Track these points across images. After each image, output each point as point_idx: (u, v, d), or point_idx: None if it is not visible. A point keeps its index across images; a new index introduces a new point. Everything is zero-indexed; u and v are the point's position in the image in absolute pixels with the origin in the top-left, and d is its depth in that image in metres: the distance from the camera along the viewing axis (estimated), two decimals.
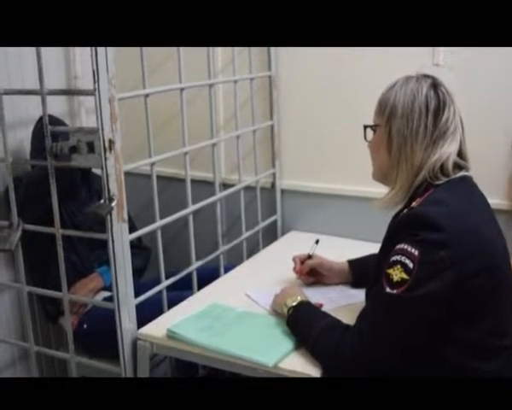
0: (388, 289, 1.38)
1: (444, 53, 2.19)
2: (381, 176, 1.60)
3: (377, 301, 1.44)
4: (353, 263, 1.98)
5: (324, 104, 2.47)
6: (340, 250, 2.08)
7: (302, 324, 1.62)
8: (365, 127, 1.61)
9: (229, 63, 2.49)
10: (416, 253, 1.34)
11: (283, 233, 2.67)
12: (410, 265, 1.34)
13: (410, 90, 1.49)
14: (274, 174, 2.63)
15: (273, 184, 2.65)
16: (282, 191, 2.66)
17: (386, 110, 1.51)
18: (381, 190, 1.61)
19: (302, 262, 1.99)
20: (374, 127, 1.58)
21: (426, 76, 1.53)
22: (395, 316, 1.38)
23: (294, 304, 1.66)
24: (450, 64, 2.18)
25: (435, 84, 1.51)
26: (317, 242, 2.05)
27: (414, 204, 1.45)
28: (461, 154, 1.51)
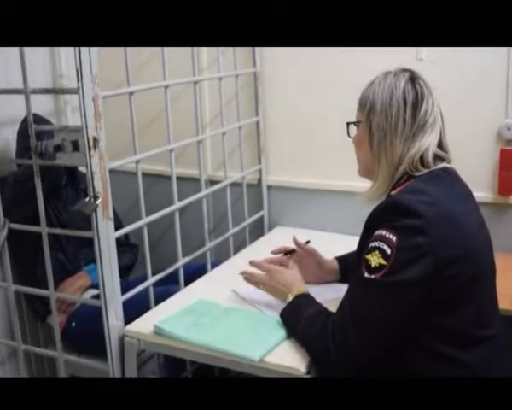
0: (366, 275, 1.40)
1: (427, 48, 2.21)
2: (366, 171, 1.62)
3: (356, 286, 1.46)
4: (342, 260, 1.95)
5: (309, 100, 2.49)
6: (327, 245, 2.07)
7: (292, 316, 1.62)
8: (348, 124, 1.63)
9: (214, 60, 2.49)
10: (394, 239, 1.36)
11: (270, 229, 2.68)
12: (388, 251, 1.36)
13: (388, 85, 1.51)
14: (260, 170, 2.64)
15: (259, 180, 2.66)
16: (269, 187, 2.67)
17: (366, 107, 1.54)
18: (366, 184, 1.63)
19: (286, 253, 1.91)
20: (356, 124, 1.60)
21: (404, 70, 1.54)
22: (373, 300, 1.40)
23: (291, 298, 1.65)
24: (433, 59, 2.20)
25: (413, 78, 1.52)
26: (307, 242, 1.98)
27: (393, 193, 1.48)
28: (441, 145, 1.53)
